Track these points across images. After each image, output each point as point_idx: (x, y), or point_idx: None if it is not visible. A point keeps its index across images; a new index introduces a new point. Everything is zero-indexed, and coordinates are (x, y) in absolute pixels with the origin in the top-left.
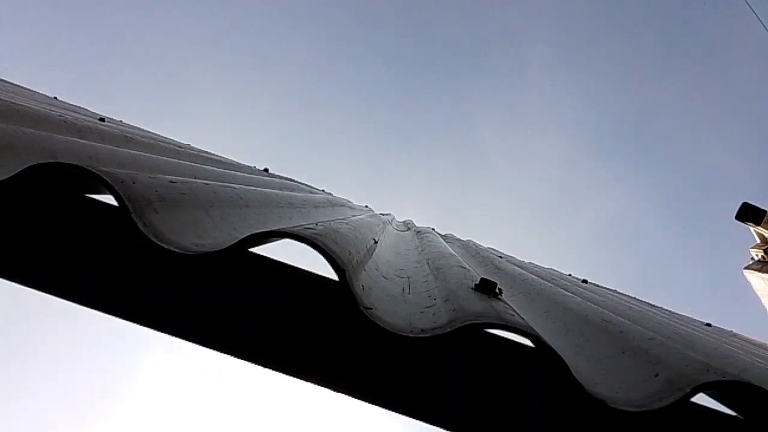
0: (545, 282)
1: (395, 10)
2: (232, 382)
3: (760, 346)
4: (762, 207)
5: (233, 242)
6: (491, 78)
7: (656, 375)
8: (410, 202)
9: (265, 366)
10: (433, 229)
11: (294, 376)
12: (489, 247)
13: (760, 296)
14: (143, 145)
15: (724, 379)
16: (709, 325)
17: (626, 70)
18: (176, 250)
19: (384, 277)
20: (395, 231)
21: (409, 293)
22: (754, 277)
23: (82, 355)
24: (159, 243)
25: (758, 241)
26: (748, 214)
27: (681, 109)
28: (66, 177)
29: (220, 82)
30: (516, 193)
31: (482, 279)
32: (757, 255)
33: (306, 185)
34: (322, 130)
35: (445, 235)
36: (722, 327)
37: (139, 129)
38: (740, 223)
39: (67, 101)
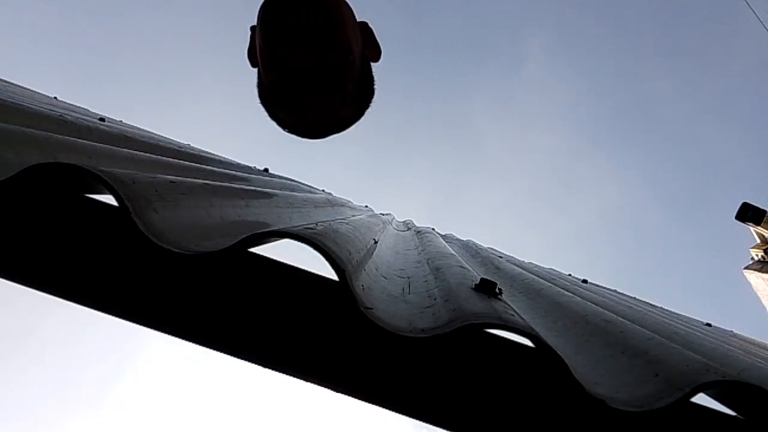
0: (545, 282)
1: (391, 2)
2: (232, 382)
3: (760, 346)
4: (762, 207)
5: (233, 242)
6: (489, 71)
7: (656, 375)
8: (410, 201)
9: (265, 366)
10: (433, 229)
11: (294, 376)
12: (489, 247)
13: (760, 296)
14: (143, 145)
15: (724, 379)
16: (709, 325)
17: (626, 68)
18: (176, 250)
19: (384, 277)
20: (395, 231)
21: (409, 293)
22: (754, 277)
23: (81, 355)
24: (159, 243)
25: (758, 241)
26: (748, 214)
27: (681, 108)
28: (66, 177)
29: (220, 82)
30: (513, 186)
31: (482, 279)
32: (757, 255)
33: (306, 185)
34: None
35: (445, 235)
36: (722, 327)
37: (139, 129)
38: (740, 223)
39: (67, 101)
